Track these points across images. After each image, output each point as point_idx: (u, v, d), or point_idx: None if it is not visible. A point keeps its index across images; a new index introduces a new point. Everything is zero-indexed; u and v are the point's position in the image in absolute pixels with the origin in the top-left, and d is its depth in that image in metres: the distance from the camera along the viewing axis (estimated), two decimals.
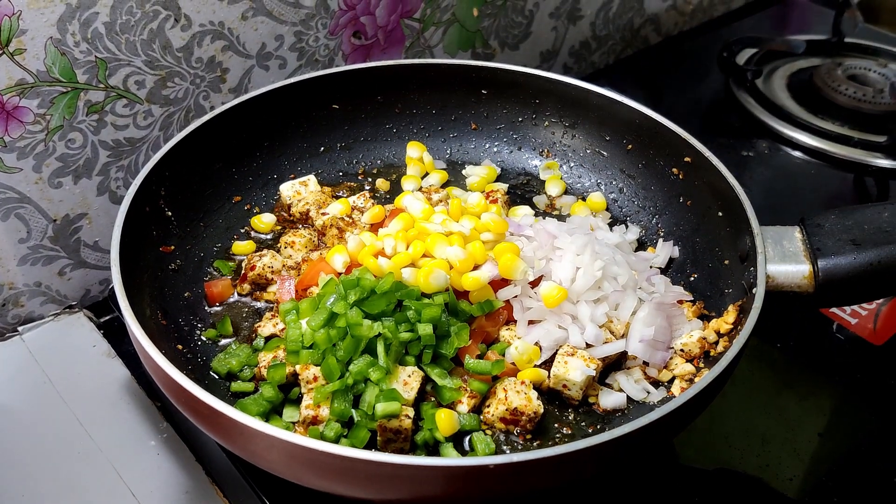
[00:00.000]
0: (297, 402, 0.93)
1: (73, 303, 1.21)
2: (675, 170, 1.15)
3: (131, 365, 1.11)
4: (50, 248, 1.14)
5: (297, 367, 0.92)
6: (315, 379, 0.90)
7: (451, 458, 0.77)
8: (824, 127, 1.52)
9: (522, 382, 0.93)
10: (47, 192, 1.10)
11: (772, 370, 1.12)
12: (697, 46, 1.85)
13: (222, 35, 1.17)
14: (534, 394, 0.92)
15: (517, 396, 0.91)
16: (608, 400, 0.95)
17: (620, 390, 0.97)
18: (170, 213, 1.08)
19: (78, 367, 1.11)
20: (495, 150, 1.30)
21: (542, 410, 0.92)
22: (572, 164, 1.27)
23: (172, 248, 1.08)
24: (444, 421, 0.89)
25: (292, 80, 1.19)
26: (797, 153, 1.51)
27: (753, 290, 0.92)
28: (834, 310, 1.18)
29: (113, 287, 0.89)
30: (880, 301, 1.19)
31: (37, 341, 1.15)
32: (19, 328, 1.16)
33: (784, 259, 0.96)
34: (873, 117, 1.54)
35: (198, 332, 1.02)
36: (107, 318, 1.20)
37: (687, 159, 1.12)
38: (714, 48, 1.69)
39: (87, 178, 1.13)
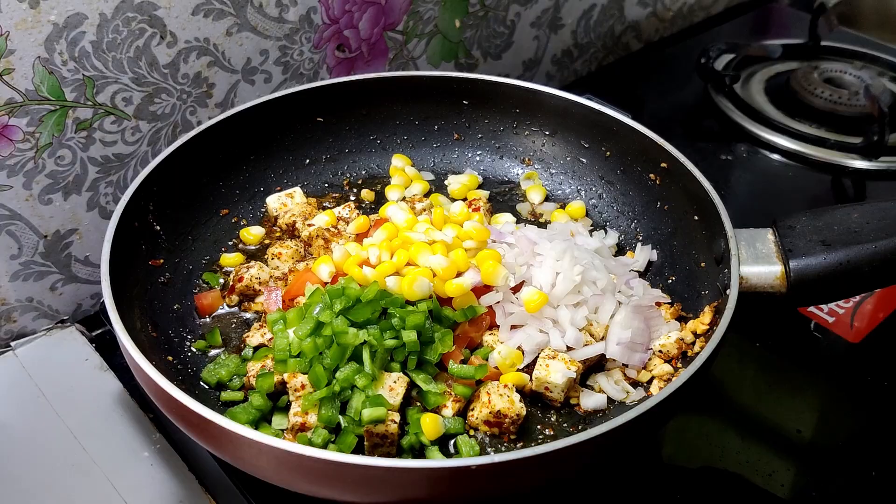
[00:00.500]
0: (285, 409, 0.95)
1: (65, 317, 1.22)
2: (651, 175, 1.17)
3: (123, 378, 1.12)
4: (41, 263, 1.16)
5: (285, 376, 0.94)
6: (303, 387, 0.92)
7: (434, 460, 0.79)
8: (801, 130, 1.55)
9: (505, 386, 0.95)
10: (38, 208, 1.12)
11: (751, 369, 1.14)
12: (678, 52, 1.88)
13: (208, 51, 1.19)
14: (516, 396, 0.94)
15: (500, 399, 0.93)
16: (589, 401, 0.97)
17: (601, 391, 0.99)
18: (158, 228, 1.10)
19: (71, 381, 1.13)
20: (478, 158, 1.33)
21: (524, 412, 0.94)
22: (553, 171, 1.30)
23: (162, 261, 1.09)
24: (429, 425, 0.91)
25: (277, 94, 1.21)
26: (775, 156, 1.53)
27: (727, 292, 0.94)
28: (812, 309, 1.21)
29: (104, 301, 0.91)
30: (856, 300, 1.22)
31: (30, 356, 1.16)
32: (12, 343, 1.18)
33: (757, 260, 0.98)
34: (849, 119, 1.57)
35: (188, 343, 1.04)
36: (98, 331, 1.21)
37: (663, 165, 1.15)
38: (694, 54, 1.72)
39: (76, 194, 1.15)
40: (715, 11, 2.08)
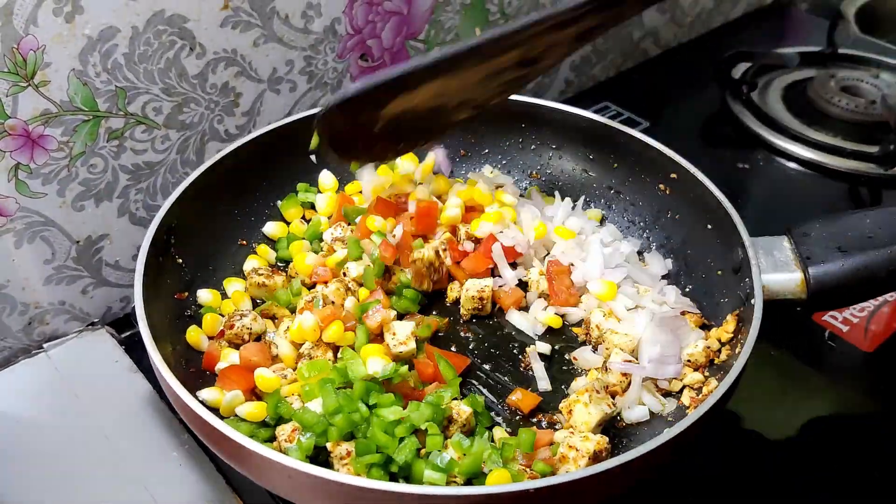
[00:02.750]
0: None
1: (96, 320, 1.26)
2: (661, 186, 1.19)
3: (152, 379, 1.15)
4: (73, 268, 1.20)
5: (328, 445, 0.92)
6: (349, 454, 0.90)
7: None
8: (818, 138, 1.56)
9: (571, 432, 0.94)
10: (71, 215, 1.15)
11: (765, 377, 1.16)
12: (696, 58, 1.89)
13: (235, 62, 1.22)
14: (591, 434, 0.93)
15: (586, 443, 0.91)
16: (632, 414, 0.99)
17: (642, 404, 1.01)
18: (181, 261, 1.12)
19: (101, 382, 1.16)
20: (484, 173, 1.34)
21: (607, 443, 0.92)
22: (561, 184, 1.31)
23: (186, 294, 1.12)
24: (499, 479, 0.88)
25: (284, 121, 1.24)
26: (792, 164, 1.55)
27: (752, 301, 0.96)
28: (826, 318, 1.22)
29: (141, 335, 0.94)
30: (871, 309, 1.23)
31: (61, 357, 1.20)
32: (45, 345, 1.21)
33: (776, 269, 1.00)
34: (866, 128, 1.57)
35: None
36: (127, 333, 1.24)
37: (673, 175, 1.17)
38: (712, 60, 1.73)
39: (107, 200, 1.18)
40: (733, 17, 2.09)
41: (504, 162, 1.34)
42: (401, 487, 0.78)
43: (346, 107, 0.94)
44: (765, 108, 1.64)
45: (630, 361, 1.02)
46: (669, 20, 1.90)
